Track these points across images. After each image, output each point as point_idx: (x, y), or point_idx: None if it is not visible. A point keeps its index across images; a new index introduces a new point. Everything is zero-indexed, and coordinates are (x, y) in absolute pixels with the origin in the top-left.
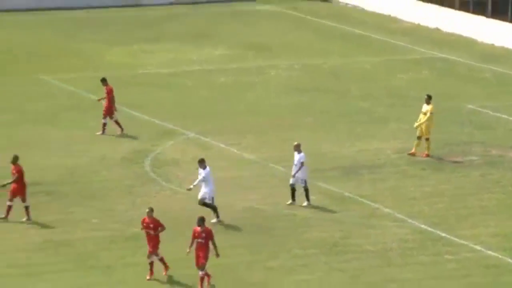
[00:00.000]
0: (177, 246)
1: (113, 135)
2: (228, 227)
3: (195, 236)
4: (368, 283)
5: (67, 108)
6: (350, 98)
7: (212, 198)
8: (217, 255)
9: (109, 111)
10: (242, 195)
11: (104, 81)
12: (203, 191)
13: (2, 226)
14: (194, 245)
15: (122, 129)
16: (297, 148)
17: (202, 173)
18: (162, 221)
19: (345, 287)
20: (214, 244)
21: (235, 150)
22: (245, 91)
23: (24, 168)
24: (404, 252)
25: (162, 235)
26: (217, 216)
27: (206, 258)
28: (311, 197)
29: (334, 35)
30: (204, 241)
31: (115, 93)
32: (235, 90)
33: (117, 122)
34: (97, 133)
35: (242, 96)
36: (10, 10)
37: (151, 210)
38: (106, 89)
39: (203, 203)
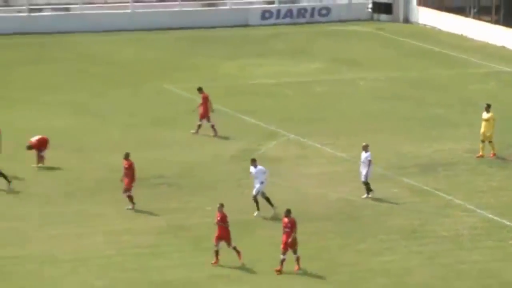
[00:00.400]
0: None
1: (224, 136)
2: (323, 215)
3: (283, 225)
4: (442, 264)
5: (186, 113)
6: (427, 105)
7: (263, 192)
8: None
9: (205, 115)
10: (335, 187)
11: (200, 89)
12: (255, 187)
13: (131, 213)
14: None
15: (215, 133)
16: (365, 148)
17: (252, 171)
18: (265, 211)
19: (422, 267)
20: (294, 233)
21: (329, 150)
22: (338, 99)
23: (150, 164)
24: (474, 238)
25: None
26: (258, 209)
27: (293, 244)
28: (394, 190)
29: (414, 52)
30: (289, 230)
31: (227, 100)
32: (328, 98)
33: (212, 127)
34: (191, 131)
35: (335, 103)
36: (138, 30)
37: (222, 205)
38: (202, 96)
39: (257, 197)
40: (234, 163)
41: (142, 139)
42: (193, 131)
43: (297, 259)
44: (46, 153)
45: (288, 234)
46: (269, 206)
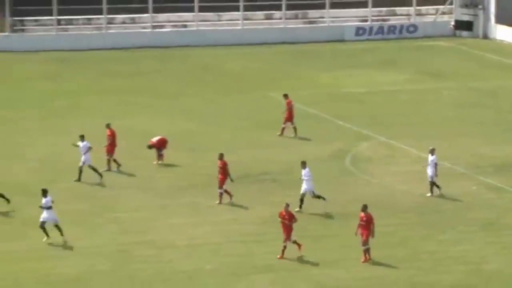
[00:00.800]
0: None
1: (321, 138)
2: (408, 208)
3: (359, 219)
4: None
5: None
6: (503, 112)
7: (312, 192)
8: (372, 236)
9: (289, 119)
10: (418, 184)
11: (285, 96)
12: (303, 187)
13: (237, 205)
14: (359, 227)
15: (295, 134)
16: (432, 152)
17: (302, 172)
18: (358, 205)
19: (498, 256)
20: (372, 227)
21: (414, 151)
22: (422, 107)
23: (256, 162)
24: None
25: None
26: (300, 207)
27: (367, 236)
28: (472, 187)
29: (492, 65)
30: (365, 223)
31: (324, 106)
32: (414, 105)
33: (294, 128)
34: (277, 134)
35: (420, 110)
36: (246, 44)
37: (288, 205)
38: (287, 102)
39: (302, 197)
40: (331, 162)
41: (249, 140)
42: (278, 133)
43: (367, 250)
44: (165, 152)
45: (363, 227)
46: (322, 200)
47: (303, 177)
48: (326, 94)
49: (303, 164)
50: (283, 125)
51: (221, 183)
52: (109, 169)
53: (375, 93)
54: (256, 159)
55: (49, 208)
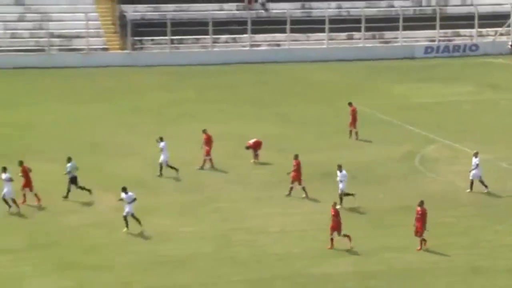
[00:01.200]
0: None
1: (394, 141)
2: (469, 202)
3: (416, 213)
4: None
5: (366, 123)
6: None
7: (342, 191)
8: (425, 228)
9: (353, 123)
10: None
11: (350, 104)
12: (340, 187)
13: (321, 197)
14: (415, 219)
15: (357, 138)
16: (476, 155)
17: (338, 174)
18: (425, 199)
19: None
20: (424, 220)
21: None
22: (482, 115)
23: (334, 162)
24: None
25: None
26: (340, 203)
27: (422, 229)
28: None
29: None
30: (420, 216)
31: (397, 114)
32: (475, 114)
33: (356, 132)
34: (350, 138)
35: (480, 118)
36: (331, 60)
37: (335, 203)
38: (351, 109)
39: (341, 196)
40: (402, 162)
41: (330, 143)
42: (348, 136)
43: (422, 240)
44: (260, 152)
45: (418, 220)
46: (350, 196)
47: (339, 178)
48: (398, 103)
49: (339, 167)
50: (350, 129)
51: (294, 179)
52: (202, 168)
53: (441, 103)
54: (336, 159)
55: (130, 203)
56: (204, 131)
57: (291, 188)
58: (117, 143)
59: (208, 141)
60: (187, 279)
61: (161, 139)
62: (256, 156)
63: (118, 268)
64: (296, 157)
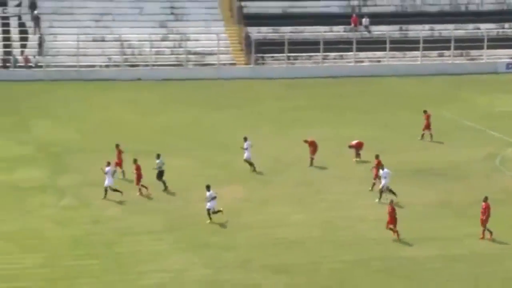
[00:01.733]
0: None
1: (477, 144)
2: None
3: (481, 207)
4: None
5: (452, 129)
6: None
7: (386, 187)
8: (487, 221)
9: (427, 127)
10: None
11: (425, 112)
12: (382, 183)
13: (408, 193)
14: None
15: (431, 139)
16: None
17: (381, 172)
18: (504, 195)
19: None
20: (488, 215)
21: None
22: None
23: (424, 160)
24: None
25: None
26: (380, 198)
27: (485, 221)
28: None
29: None
30: (484, 210)
31: (481, 121)
32: None
33: (430, 135)
34: (418, 139)
35: None
36: (423, 75)
37: (392, 201)
38: (426, 116)
39: (381, 191)
40: (484, 162)
41: (421, 145)
42: (419, 138)
43: (487, 231)
44: (361, 152)
45: (483, 213)
46: (393, 195)
47: (383, 175)
48: (482, 112)
49: (382, 166)
50: (428, 132)
51: (376, 176)
52: (312, 164)
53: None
54: (425, 159)
55: (212, 199)
56: (305, 141)
57: (374, 184)
58: (242, 143)
59: (312, 144)
60: (297, 258)
61: (245, 139)
62: (358, 155)
63: (239, 248)
64: (377, 156)
